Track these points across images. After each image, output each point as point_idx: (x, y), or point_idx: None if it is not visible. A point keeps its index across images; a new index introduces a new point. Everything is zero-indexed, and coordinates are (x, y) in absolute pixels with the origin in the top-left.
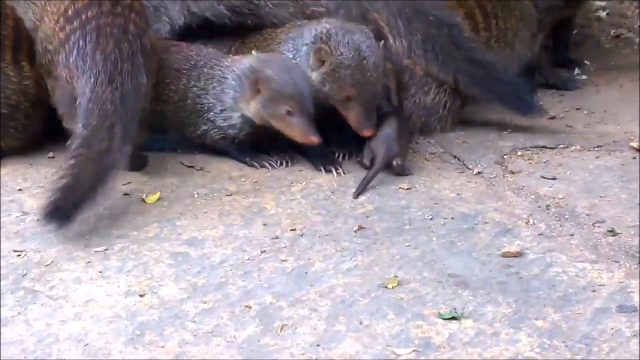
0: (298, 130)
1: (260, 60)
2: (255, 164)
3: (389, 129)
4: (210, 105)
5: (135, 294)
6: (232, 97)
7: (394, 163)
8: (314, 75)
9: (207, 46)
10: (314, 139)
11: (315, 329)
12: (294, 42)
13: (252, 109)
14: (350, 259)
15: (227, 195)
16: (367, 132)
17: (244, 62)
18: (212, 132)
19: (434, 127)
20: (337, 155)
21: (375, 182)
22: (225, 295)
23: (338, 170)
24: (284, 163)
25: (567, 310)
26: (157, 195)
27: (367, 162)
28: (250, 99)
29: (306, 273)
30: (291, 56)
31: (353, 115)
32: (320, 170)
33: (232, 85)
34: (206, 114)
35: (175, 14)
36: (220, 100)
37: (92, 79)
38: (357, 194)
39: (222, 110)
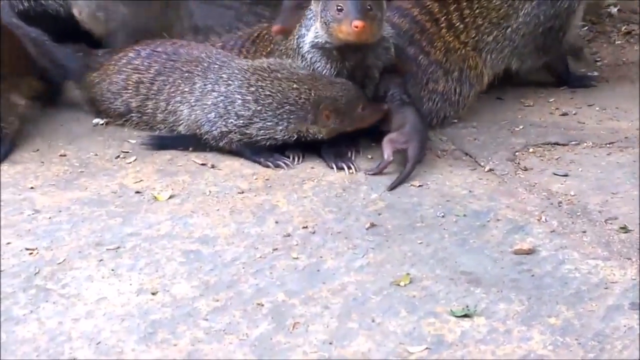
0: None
1: None
2: (270, 164)
3: (418, 119)
4: (236, 110)
5: (147, 292)
6: None
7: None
8: (320, 24)
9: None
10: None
11: (327, 326)
12: (306, 15)
13: None
14: (362, 256)
15: (239, 193)
16: (358, 23)
17: None
18: (232, 134)
19: (448, 114)
20: (348, 153)
21: (387, 179)
22: (237, 293)
23: (350, 168)
24: (298, 158)
25: (579, 308)
26: (169, 193)
27: (389, 156)
28: None
29: (318, 271)
30: (312, 21)
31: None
32: (333, 167)
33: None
34: (227, 117)
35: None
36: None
37: None
38: (392, 187)
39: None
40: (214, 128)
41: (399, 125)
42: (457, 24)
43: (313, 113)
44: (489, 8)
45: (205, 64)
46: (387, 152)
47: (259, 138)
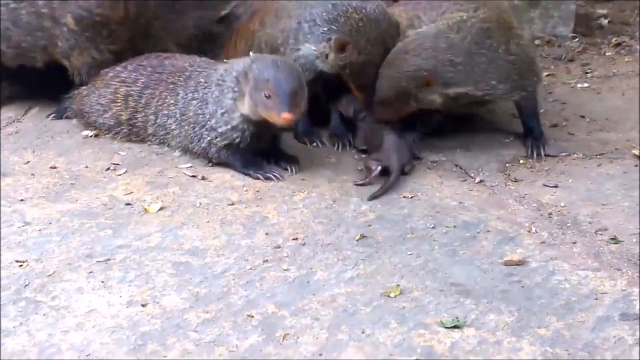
0: (273, 109)
1: (254, 57)
2: (260, 176)
3: (394, 137)
4: (212, 112)
5: (137, 304)
6: (231, 98)
7: (405, 169)
8: (331, 58)
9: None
10: (286, 115)
11: (317, 338)
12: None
13: (245, 103)
14: (352, 267)
15: (229, 204)
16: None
17: (240, 62)
18: (216, 140)
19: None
20: (335, 145)
21: (377, 190)
22: (227, 304)
23: (324, 144)
24: (291, 169)
25: (569, 319)
26: (159, 205)
27: (374, 168)
28: (244, 95)
29: (308, 282)
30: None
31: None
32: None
33: (231, 87)
34: (209, 122)
35: None
36: (220, 104)
37: None
38: (372, 198)
39: (222, 114)
40: (200, 141)
41: (376, 146)
42: None
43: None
44: None
45: (188, 73)
46: (373, 166)
47: (226, 136)
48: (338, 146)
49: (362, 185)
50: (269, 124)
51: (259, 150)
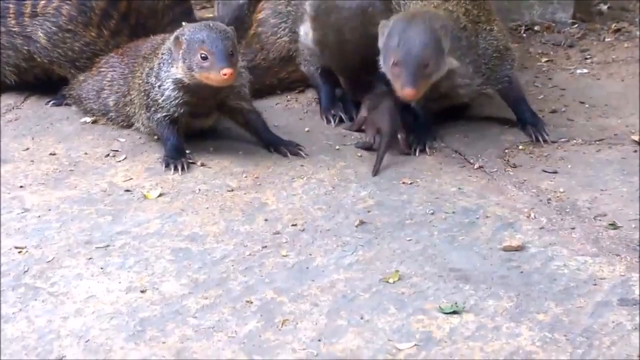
0: (212, 68)
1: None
2: (170, 164)
3: (388, 103)
4: (153, 82)
5: (136, 290)
6: (166, 69)
7: (399, 136)
8: (182, 67)
9: None
10: (227, 70)
11: (316, 323)
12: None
13: (178, 68)
14: (352, 253)
15: (229, 190)
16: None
17: (174, 32)
18: (157, 113)
19: None
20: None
21: (377, 177)
22: (226, 290)
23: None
24: (291, 155)
25: (568, 304)
26: (158, 192)
27: (370, 139)
28: (177, 60)
29: (307, 268)
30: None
31: None
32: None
33: (166, 59)
34: (151, 93)
35: None
36: (158, 76)
37: None
38: (375, 172)
39: (159, 86)
40: (148, 114)
41: (373, 108)
42: None
43: (173, 48)
44: None
45: (156, 47)
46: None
47: (163, 107)
48: (328, 121)
49: (362, 147)
50: (205, 88)
51: (203, 130)
